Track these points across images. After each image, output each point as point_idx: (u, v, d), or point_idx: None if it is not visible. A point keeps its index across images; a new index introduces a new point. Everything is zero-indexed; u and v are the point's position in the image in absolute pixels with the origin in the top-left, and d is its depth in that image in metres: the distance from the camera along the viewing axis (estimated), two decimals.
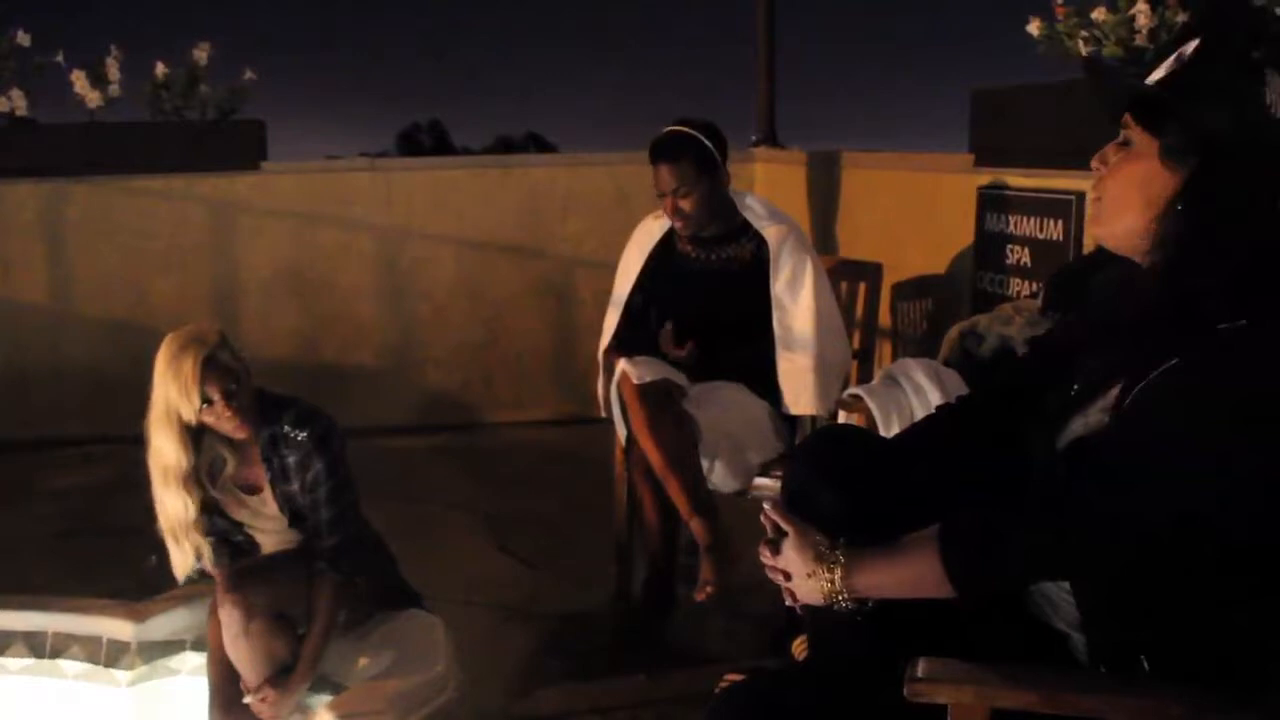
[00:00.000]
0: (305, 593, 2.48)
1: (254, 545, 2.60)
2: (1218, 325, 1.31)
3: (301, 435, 2.41)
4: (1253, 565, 1.35)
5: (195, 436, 2.39)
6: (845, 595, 1.48)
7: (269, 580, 2.47)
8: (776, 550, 1.56)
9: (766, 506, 1.60)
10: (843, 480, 1.62)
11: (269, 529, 2.58)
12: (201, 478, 2.44)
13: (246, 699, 2.42)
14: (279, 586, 2.47)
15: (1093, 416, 1.43)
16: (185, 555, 2.44)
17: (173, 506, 2.39)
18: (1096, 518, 1.34)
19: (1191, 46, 1.39)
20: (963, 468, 1.64)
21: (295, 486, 2.45)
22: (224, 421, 2.36)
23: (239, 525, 2.56)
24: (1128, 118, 1.43)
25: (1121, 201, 1.44)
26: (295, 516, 2.50)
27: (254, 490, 2.52)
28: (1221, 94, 1.36)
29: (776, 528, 1.57)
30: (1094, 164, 1.48)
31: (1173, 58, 1.41)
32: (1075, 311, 1.67)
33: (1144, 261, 1.45)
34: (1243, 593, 1.36)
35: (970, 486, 1.56)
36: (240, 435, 2.40)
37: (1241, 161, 1.36)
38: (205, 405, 2.33)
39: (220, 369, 2.34)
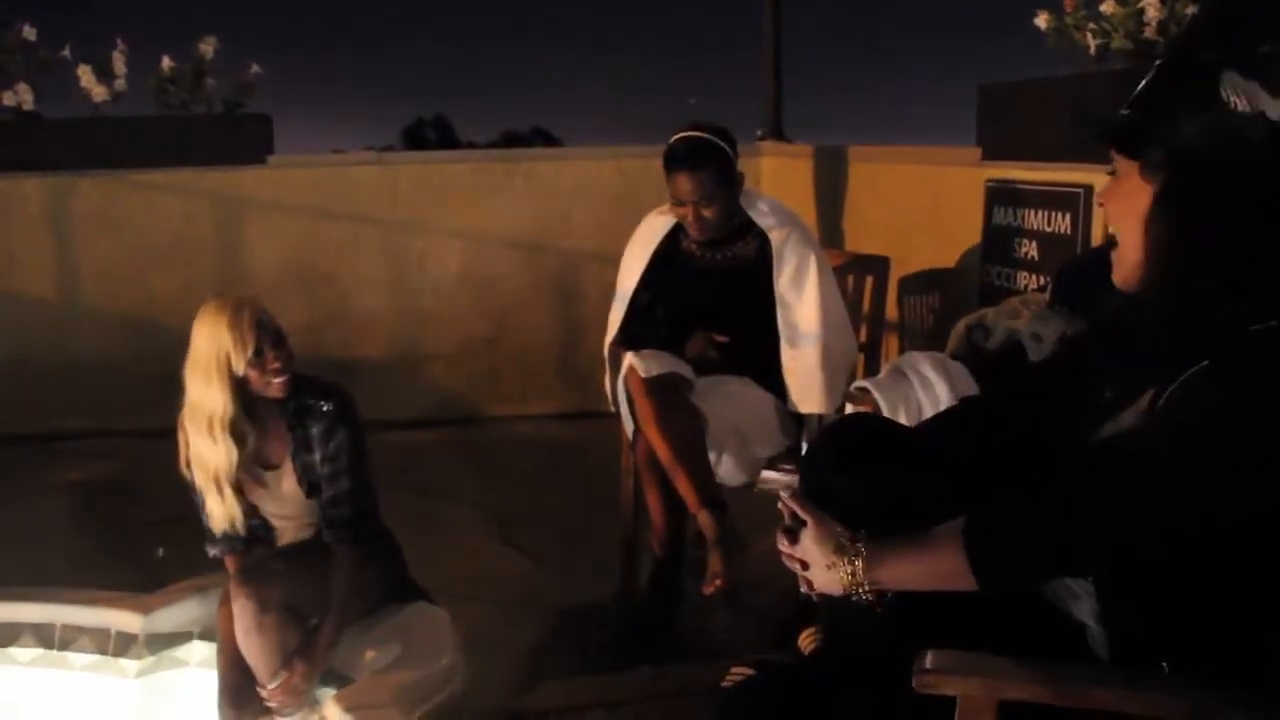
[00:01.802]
0: (318, 586, 2.49)
1: (269, 530, 2.61)
2: (1249, 327, 1.31)
3: (327, 406, 2.51)
4: (1273, 564, 1.35)
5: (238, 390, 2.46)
6: (866, 587, 1.47)
7: (282, 575, 2.49)
8: (794, 539, 1.55)
9: (784, 495, 1.59)
10: (863, 471, 1.61)
11: (285, 511, 2.59)
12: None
13: (270, 686, 2.42)
14: (292, 581, 2.49)
15: (1125, 421, 1.43)
16: (229, 504, 2.49)
17: (215, 455, 2.45)
18: (1123, 515, 1.34)
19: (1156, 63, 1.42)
20: (987, 463, 1.64)
21: (316, 456, 2.51)
22: (269, 375, 2.45)
23: (255, 509, 2.57)
24: (1113, 150, 1.44)
25: (1121, 228, 1.45)
26: (312, 488, 2.54)
27: (272, 466, 2.56)
28: (1181, 102, 1.36)
29: (794, 516, 1.56)
30: (1098, 201, 1.51)
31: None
32: (1106, 315, 1.66)
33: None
34: (1264, 594, 1.36)
35: (994, 483, 1.55)
36: (280, 394, 2.48)
37: (1209, 163, 1.36)
38: (255, 357, 2.42)
39: (271, 326, 2.46)
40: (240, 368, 2.41)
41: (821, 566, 1.51)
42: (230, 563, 2.58)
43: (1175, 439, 1.33)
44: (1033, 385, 1.69)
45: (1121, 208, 1.43)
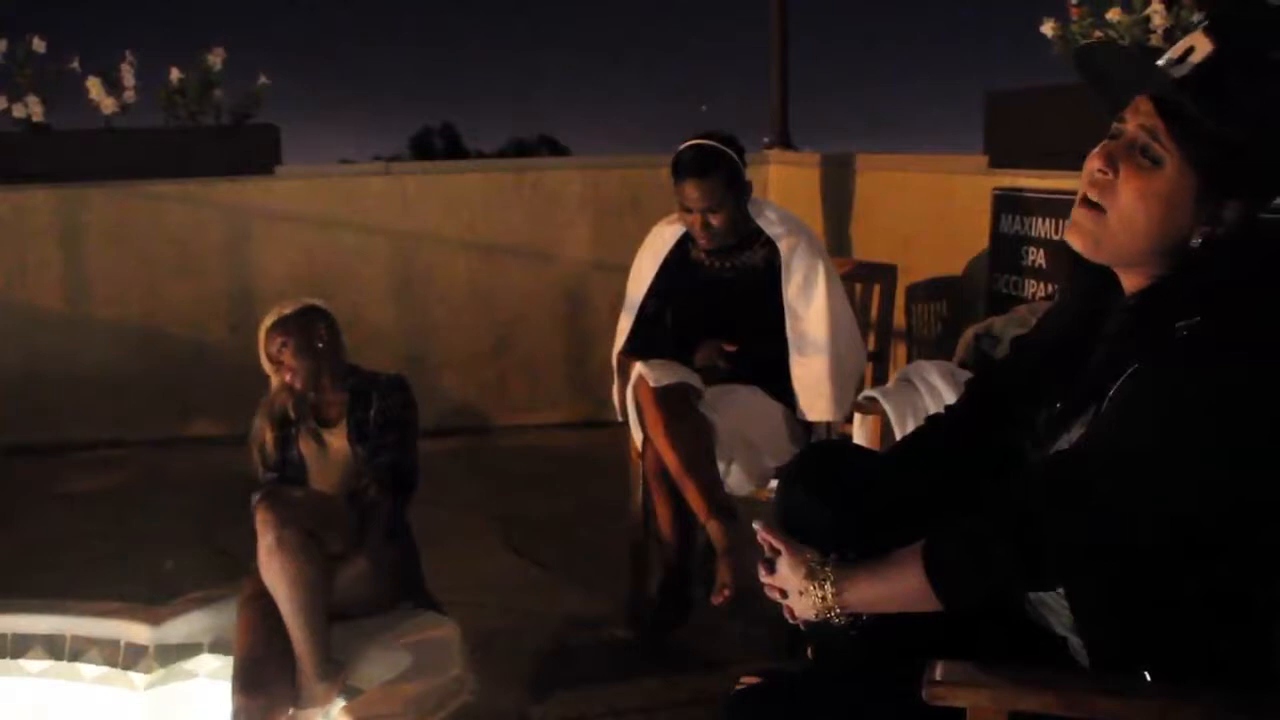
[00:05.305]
0: (338, 521, 2.61)
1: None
2: (1175, 324, 1.31)
3: (388, 376, 2.84)
4: (1232, 561, 1.35)
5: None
6: (838, 611, 1.48)
7: (302, 502, 2.61)
8: (772, 569, 1.57)
9: (757, 526, 1.61)
10: (832, 496, 1.62)
11: (330, 466, 2.73)
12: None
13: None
14: (311, 505, 2.62)
15: (1075, 432, 1.43)
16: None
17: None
18: (1074, 526, 1.34)
19: (1205, 50, 1.30)
20: (954, 478, 1.64)
21: (371, 413, 2.73)
22: (285, 370, 2.73)
23: (302, 468, 2.74)
24: (1162, 131, 1.33)
25: (1137, 223, 1.36)
26: (361, 439, 2.72)
27: (329, 423, 2.76)
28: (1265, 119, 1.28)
29: (771, 545, 1.58)
30: (1099, 166, 1.38)
31: (1185, 60, 1.32)
32: (1057, 319, 1.64)
33: (1134, 277, 1.42)
34: (1226, 590, 1.36)
35: (961, 497, 1.55)
36: (296, 385, 2.72)
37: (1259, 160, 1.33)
38: (270, 356, 2.75)
39: (283, 330, 2.75)
40: (268, 367, 2.75)
41: (796, 593, 1.52)
42: (258, 496, 2.67)
43: (1115, 447, 1.33)
44: (996, 396, 1.66)
45: (1147, 206, 1.34)
